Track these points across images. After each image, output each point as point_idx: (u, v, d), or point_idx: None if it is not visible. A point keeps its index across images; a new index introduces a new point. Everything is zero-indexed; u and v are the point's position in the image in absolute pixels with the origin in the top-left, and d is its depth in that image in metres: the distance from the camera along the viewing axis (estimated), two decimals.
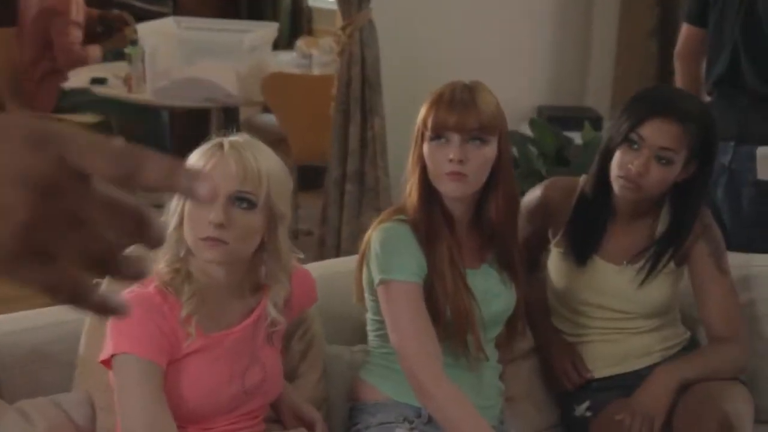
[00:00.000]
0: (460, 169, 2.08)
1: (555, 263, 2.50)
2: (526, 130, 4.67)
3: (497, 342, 2.30)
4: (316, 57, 5.28)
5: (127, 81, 4.98)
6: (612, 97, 5.26)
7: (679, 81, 3.31)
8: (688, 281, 2.43)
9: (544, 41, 5.21)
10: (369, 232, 2.17)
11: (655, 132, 2.25)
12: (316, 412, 2.11)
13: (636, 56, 5.19)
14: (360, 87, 4.19)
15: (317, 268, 2.50)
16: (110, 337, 1.83)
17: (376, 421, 2.14)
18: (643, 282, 2.37)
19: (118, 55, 5.45)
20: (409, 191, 2.16)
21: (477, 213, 2.20)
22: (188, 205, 1.83)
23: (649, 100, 2.33)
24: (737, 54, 2.96)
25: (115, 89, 5.06)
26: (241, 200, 1.83)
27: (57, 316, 2.11)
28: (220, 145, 1.85)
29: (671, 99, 2.36)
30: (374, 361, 2.22)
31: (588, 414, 2.41)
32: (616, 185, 2.29)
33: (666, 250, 2.37)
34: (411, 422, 2.13)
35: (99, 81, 5.15)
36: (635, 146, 2.26)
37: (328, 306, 2.35)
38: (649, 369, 2.42)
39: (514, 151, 4.53)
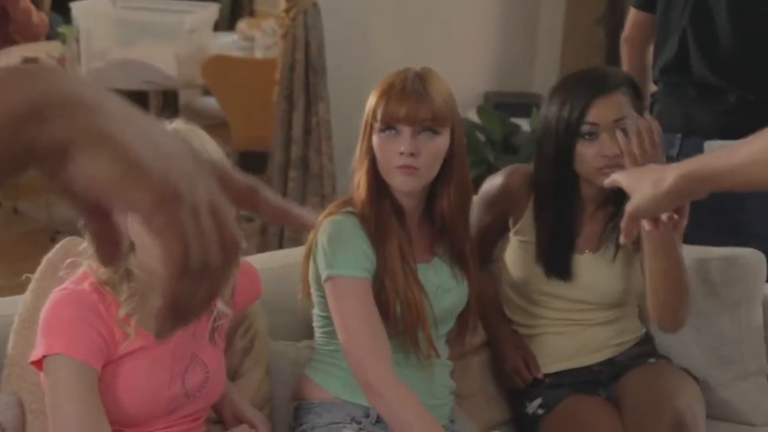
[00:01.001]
0: (411, 162, 2.00)
1: (514, 252, 2.43)
2: (474, 117, 4.62)
3: (447, 338, 2.24)
4: (259, 39, 5.18)
5: (60, 61, 4.83)
6: None
7: (625, 66, 3.24)
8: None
9: (491, 27, 5.16)
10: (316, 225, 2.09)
11: (603, 111, 2.22)
12: (258, 414, 2.03)
13: (583, 42, 5.17)
14: (304, 71, 4.11)
15: (262, 261, 2.42)
16: (41, 337, 1.72)
17: (322, 422, 2.06)
18: (614, 257, 2.34)
19: (52, 36, 5.30)
20: (357, 184, 2.08)
21: (428, 205, 2.13)
22: None
23: (581, 86, 2.27)
24: (685, 42, 2.90)
25: None
26: None
27: None
28: None
29: (598, 76, 2.31)
30: (320, 358, 2.14)
31: (540, 412, 2.36)
32: (601, 178, 2.20)
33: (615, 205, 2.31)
34: (359, 422, 2.06)
35: (31, 61, 4.99)
36: (593, 136, 2.22)
37: (272, 300, 2.27)
38: (602, 365, 2.38)
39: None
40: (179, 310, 0.62)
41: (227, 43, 5.31)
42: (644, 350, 2.45)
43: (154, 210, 0.60)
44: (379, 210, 2.06)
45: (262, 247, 4.08)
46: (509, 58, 5.21)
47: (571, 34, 5.24)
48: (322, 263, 2.03)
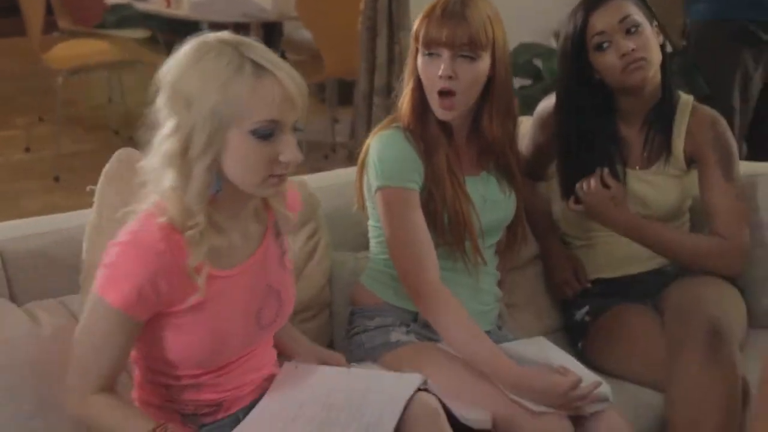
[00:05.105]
0: (449, 85, 2.00)
1: None
2: (552, 43, 4.54)
3: (497, 249, 2.25)
4: None
5: None
6: None
7: None
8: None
9: None
10: (368, 140, 2.12)
11: (604, 16, 2.23)
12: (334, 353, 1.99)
13: None
14: (387, 0, 4.09)
15: (326, 178, 2.47)
16: (100, 272, 1.61)
17: (373, 324, 2.10)
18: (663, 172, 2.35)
19: None
20: (402, 101, 2.10)
21: (474, 123, 2.13)
22: (248, 141, 1.57)
23: (580, 5, 2.28)
24: None
25: (155, 4, 5.02)
26: (296, 129, 1.62)
27: (60, 222, 2.09)
28: (259, 67, 1.56)
29: None
30: (374, 266, 2.18)
31: (587, 318, 2.37)
32: (625, 78, 2.24)
33: (661, 121, 2.33)
34: (408, 325, 2.09)
35: None
36: (605, 45, 2.22)
37: (336, 214, 2.31)
38: (648, 275, 2.37)
39: (539, 64, 4.42)
40: None
41: None
42: None
43: None
44: (425, 124, 2.07)
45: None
46: None
47: None
48: (373, 176, 2.06)
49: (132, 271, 1.57)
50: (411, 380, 1.74)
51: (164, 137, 1.59)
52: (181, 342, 1.65)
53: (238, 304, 1.69)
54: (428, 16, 2.03)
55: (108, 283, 1.59)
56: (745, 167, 2.45)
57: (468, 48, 1.99)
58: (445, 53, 2.00)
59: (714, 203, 2.30)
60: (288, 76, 1.58)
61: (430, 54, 2.02)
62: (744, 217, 2.33)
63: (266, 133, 1.56)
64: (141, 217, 1.62)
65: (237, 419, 1.75)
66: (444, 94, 2.01)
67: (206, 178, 1.58)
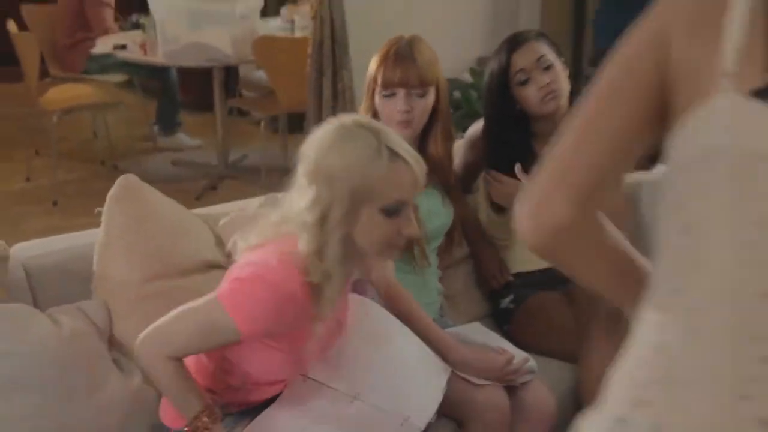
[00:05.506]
0: (407, 117, 2.05)
1: None
2: (467, 78, 4.60)
3: (438, 251, 2.27)
4: (298, 22, 5.17)
5: (142, 46, 4.86)
6: None
7: None
8: None
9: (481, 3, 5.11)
10: None
11: (523, 56, 2.27)
12: None
13: (560, 8, 5.12)
14: (330, 45, 4.09)
15: None
16: (231, 286, 1.52)
17: None
18: None
19: (135, 25, 5.34)
20: None
21: (420, 147, 2.15)
22: (377, 217, 1.54)
23: (502, 47, 2.32)
24: None
25: (133, 53, 4.94)
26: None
27: (74, 240, 2.06)
28: (394, 153, 1.53)
29: (513, 36, 2.35)
30: None
31: (511, 306, 2.40)
32: (543, 107, 2.28)
33: None
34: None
35: (121, 47, 5.03)
36: (526, 81, 2.26)
37: None
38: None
39: (458, 95, 4.48)
40: None
41: (273, 27, 5.30)
42: None
43: None
44: None
45: None
46: (498, 26, 5.16)
47: (548, 4, 5.18)
48: None
49: (268, 315, 1.50)
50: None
51: (305, 209, 1.53)
52: (266, 361, 1.60)
53: (323, 339, 1.64)
54: (383, 61, 2.05)
55: (242, 311, 1.50)
56: (629, 177, 2.49)
57: (419, 87, 2.03)
58: (401, 92, 2.03)
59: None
60: (416, 162, 1.56)
61: (387, 94, 2.04)
62: (625, 216, 2.37)
63: (393, 211, 1.54)
64: (282, 262, 1.52)
65: (253, 412, 1.70)
66: (402, 122, 2.04)
67: (340, 246, 1.53)
